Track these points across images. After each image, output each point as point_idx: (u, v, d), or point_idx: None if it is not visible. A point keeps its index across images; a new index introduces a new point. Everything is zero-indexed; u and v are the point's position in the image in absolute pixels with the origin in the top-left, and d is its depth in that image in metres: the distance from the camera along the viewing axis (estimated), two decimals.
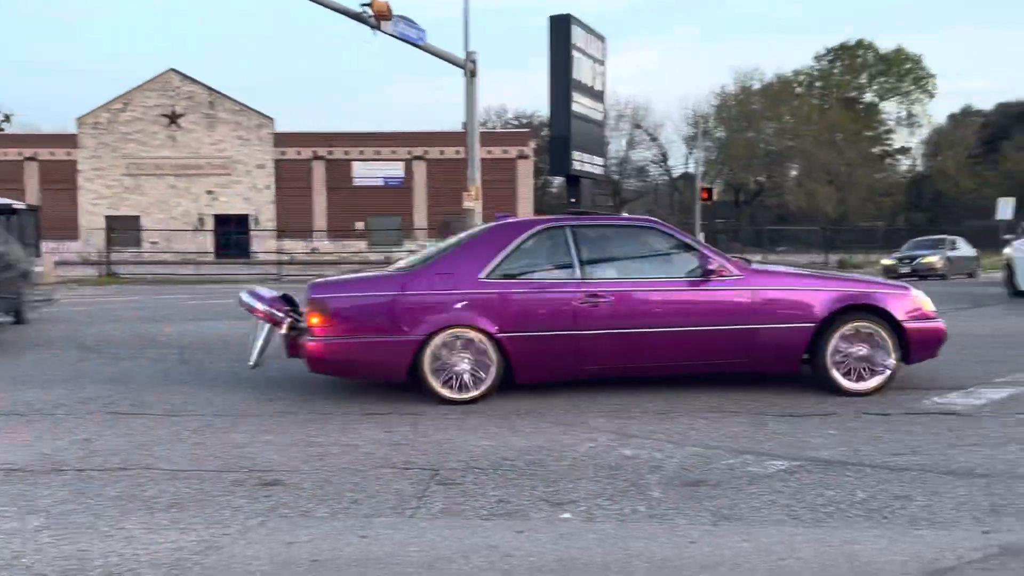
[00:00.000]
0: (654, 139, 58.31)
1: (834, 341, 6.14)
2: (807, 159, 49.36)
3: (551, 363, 6.17)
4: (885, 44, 57.98)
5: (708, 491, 4.10)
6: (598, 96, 28.37)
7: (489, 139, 38.71)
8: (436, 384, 5.96)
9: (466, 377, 5.97)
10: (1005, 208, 29.27)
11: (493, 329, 5.94)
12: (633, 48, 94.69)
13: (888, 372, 6.19)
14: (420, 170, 49.51)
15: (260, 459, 4.74)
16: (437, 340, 5.92)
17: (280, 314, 6.35)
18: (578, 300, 6.04)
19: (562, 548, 3.39)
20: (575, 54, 25.15)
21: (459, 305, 5.94)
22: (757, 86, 52.58)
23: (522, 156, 49.82)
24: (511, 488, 4.17)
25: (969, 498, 3.94)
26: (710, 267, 6.19)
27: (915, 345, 6.28)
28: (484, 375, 5.98)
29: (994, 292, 17.50)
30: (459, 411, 5.87)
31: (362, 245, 45.48)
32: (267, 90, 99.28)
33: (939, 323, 6.46)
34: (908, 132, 60.48)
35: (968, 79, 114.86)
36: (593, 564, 3.24)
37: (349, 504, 3.96)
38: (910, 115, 58.59)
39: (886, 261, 26.50)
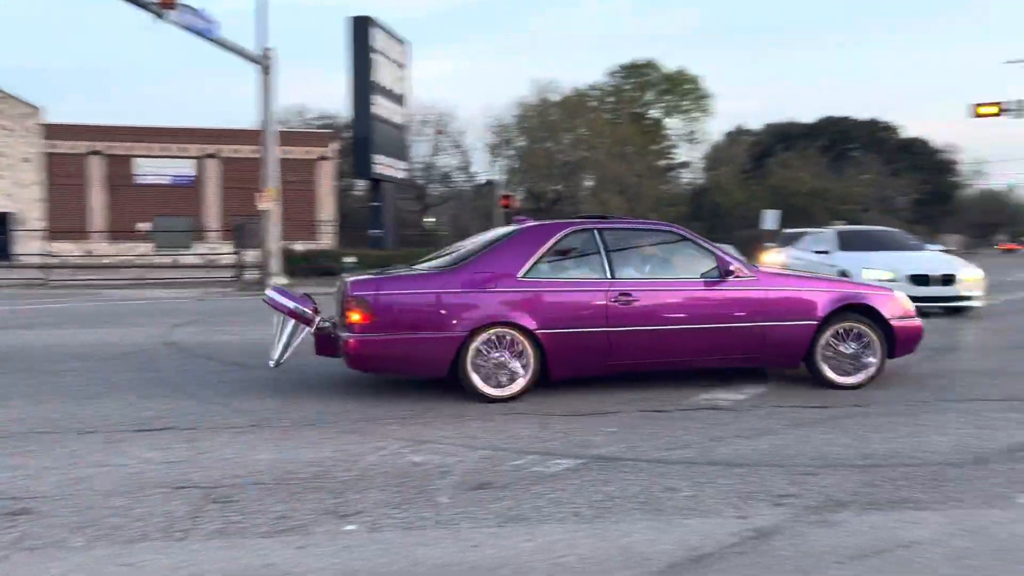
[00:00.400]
0: (457, 146, 59.08)
1: (825, 338, 6.66)
2: (600, 170, 52.01)
3: (585, 358, 6.42)
4: (671, 64, 62.44)
5: (495, 493, 4.16)
6: (400, 100, 28.26)
7: (289, 139, 37.36)
8: (477, 380, 6.14)
9: (506, 373, 6.18)
10: (769, 219, 32.36)
11: (532, 326, 6.15)
12: (438, 55, 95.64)
13: (874, 368, 6.72)
14: (213, 169, 46.93)
15: (6, 486, 4.24)
16: (479, 337, 6.11)
17: (309, 312, 6.47)
18: (610, 299, 6.33)
19: (344, 561, 3.30)
20: (376, 56, 24.91)
21: (499, 303, 6.14)
22: (556, 98, 54.68)
23: (323, 157, 48.66)
24: (294, 502, 4.00)
25: (729, 487, 4.27)
26: (729, 268, 6.58)
27: (900, 342, 6.83)
28: (523, 371, 6.20)
29: None
30: (243, 424, 5.60)
31: (147, 247, 42.32)
32: (37, 77, 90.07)
33: (918, 322, 7.04)
34: (690, 147, 65.41)
35: (742, 101, 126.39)
36: (376, 575, 3.18)
37: (110, 530, 3.63)
38: (690, 132, 63.44)
39: None
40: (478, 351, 6.12)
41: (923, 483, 4.30)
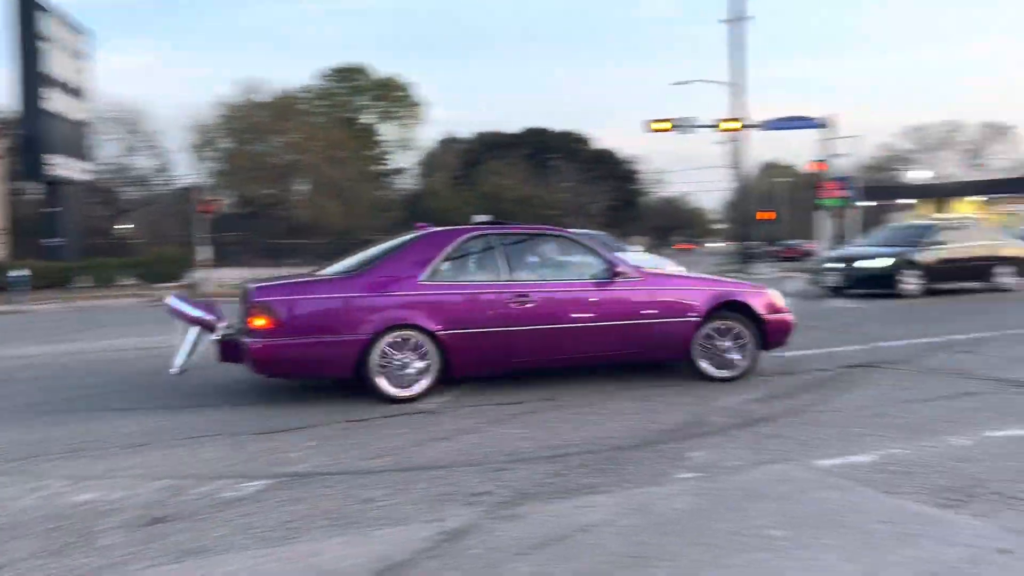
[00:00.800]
0: (153, 146, 54.51)
1: (703, 333, 7.08)
2: (315, 174, 50.91)
3: (485, 357, 6.64)
4: (384, 70, 62.79)
5: (173, 527, 3.80)
6: (80, 94, 25.41)
7: None
8: (382, 382, 6.27)
9: (409, 374, 6.33)
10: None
11: (433, 328, 6.32)
12: (134, 48, 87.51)
13: (746, 361, 7.18)
14: None
15: None
16: (383, 340, 6.23)
17: (212, 318, 6.50)
18: (507, 299, 6.56)
19: None
20: (46, 45, 22.15)
21: (401, 306, 6.30)
22: (264, 99, 52.54)
23: None
24: None
25: (426, 491, 4.29)
26: (617, 270, 6.94)
27: (771, 335, 7.30)
28: (426, 372, 6.38)
29: None
30: None
31: None
32: None
33: (789, 316, 7.48)
34: (404, 154, 66.33)
35: (453, 110, 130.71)
36: None
37: None
38: (404, 138, 64.38)
39: None
40: (382, 353, 6.26)
41: (601, 468, 4.65)
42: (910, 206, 54.19)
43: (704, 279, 7.74)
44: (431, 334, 6.34)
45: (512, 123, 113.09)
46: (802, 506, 3.99)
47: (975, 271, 17.46)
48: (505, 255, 6.81)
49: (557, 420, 5.83)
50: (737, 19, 30.61)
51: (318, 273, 7.00)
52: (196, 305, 6.70)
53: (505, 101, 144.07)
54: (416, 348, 6.35)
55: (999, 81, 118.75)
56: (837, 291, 16.76)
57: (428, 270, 6.54)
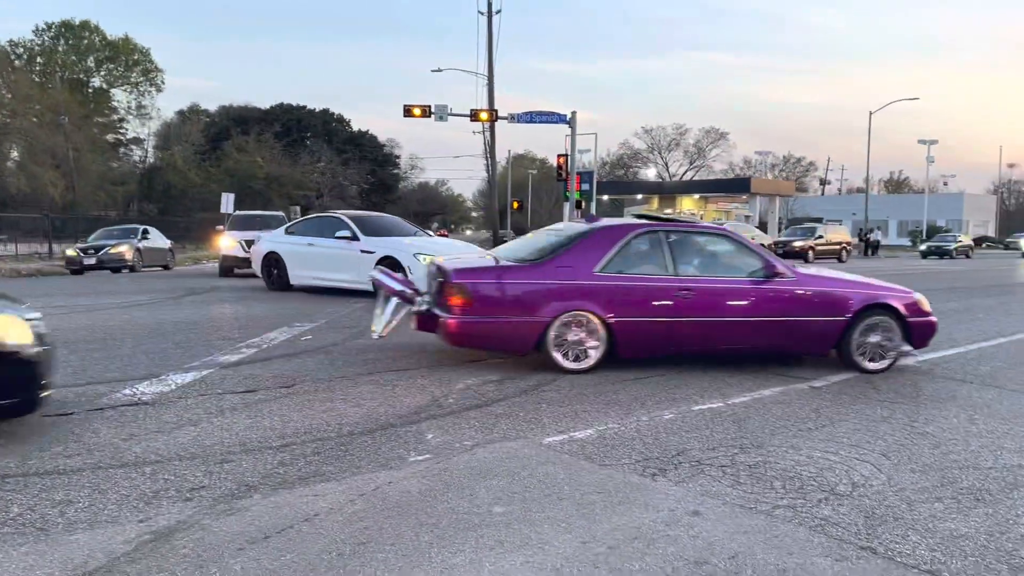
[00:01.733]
0: None
1: (858, 329, 7.41)
2: (28, 140, 45.09)
3: (648, 343, 7.20)
4: (114, 31, 57.04)
5: None
6: None
7: None
8: (557, 356, 6.94)
9: (581, 351, 6.98)
10: (227, 202, 31.84)
11: (605, 315, 6.95)
12: None
13: (897, 355, 7.51)
14: None
15: None
16: (560, 321, 6.90)
17: (411, 292, 7.27)
18: (672, 293, 7.10)
19: None
20: None
21: (578, 294, 6.95)
22: None
23: None
24: None
25: (134, 489, 3.92)
26: (776, 270, 7.39)
27: (916, 336, 7.58)
28: (596, 349, 6.99)
29: (200, 283, 18.78)
30: None
31: None
32: None
33: (931, 319, 7.74)
34: (140, 123, 60.85)
35: (196, 78, 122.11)
36: None
37: None
38: (140, 106, 59.05)
39: (70, 251, 23.65)
40: (559, 332, 6.91)
41: (333, 455, 4.52)
42: (643, 201, 59.09)
43: (855, 282, 7.82)
44: (602, 319, 6.94)
45: (265, 99, 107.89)
46: (526, 482, 4.14)
47: None
48: (670, 251, 7.34)
49: (290, 408, 5.60)
50: (489, 12, 31.44)
51: (505, 259, 7.41)
52: (397, 279, 7.44)
53: (258, 76, 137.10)
54: (589, 330, 6.97)
55: (717, 91, 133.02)
56: None
57: (603, 262, 7.11)
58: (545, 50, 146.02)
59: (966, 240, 49.49)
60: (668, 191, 59.17)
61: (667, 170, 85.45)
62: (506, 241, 14.42)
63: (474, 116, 29.41)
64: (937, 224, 63.59)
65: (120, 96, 59.04)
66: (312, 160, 59.18)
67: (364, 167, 63.97)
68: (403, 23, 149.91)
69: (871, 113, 52.48)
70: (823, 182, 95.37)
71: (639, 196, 60.42)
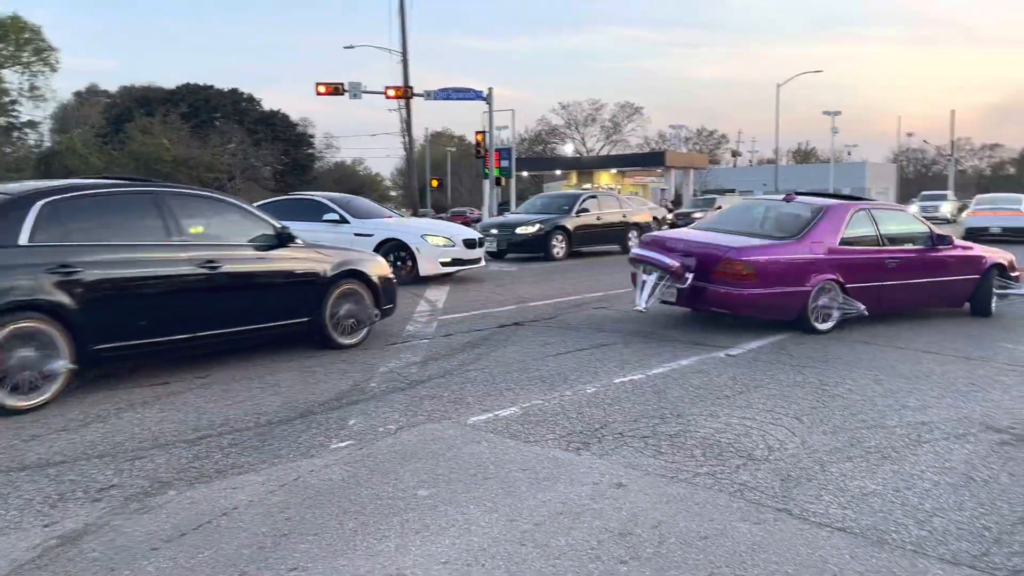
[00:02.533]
0: None
1: (983, 287, 9.27)
2: None
3: (867, 302, 8.10)
4: (1, 8, 53.71)
5: None
6: None
7: None
8: (815, 321, 7.88)
9: (827, 314, 7.97)
10: None
11: (844, 281, 8.02)
12: None
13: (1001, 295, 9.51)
14: None
15: None
16: (817, 289, 7.86)
17: (679, 266, 7.83)
18: (884, 261, 8.39)
19: None
20: None
21: (828, 265, 7.97)
22: None
23: None
24: None
25: (38, 492, 3.72)
26: (943, 238, 8.86)
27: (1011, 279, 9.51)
28: (835, 314, 8.00)
29: None
30: None
31: None
32: None
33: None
34: (34, 105, 57.62)
35: (95, 58, 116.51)
36: None
37: None
38: (34, 87, 55.85)
39: None
40: (814, 300, 7.84)
41: (252, 446, 4.40)
42: (562, 177, 59.45)
43: (981, 248, 9.52)
44: (842, 285, 8.01)
45: (170, 79, 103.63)
46: (452, 463, 4.11)
47: (612, 236, 19.62)
48: (877, 226, 8.54)
49: (206, 399, 5.41)
50: None
51: (768, 238, 8.25)
52: (669, 255, 7.91)
53: (161, 55, 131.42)
54: (832, 296, 7.96)
55: (631, 66, 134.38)
56: (497, 255, 17.82)
57: (839, 236, 8.16)
58: (462, 26, 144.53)
59: None
60: (586, 166, 59.68)
61: (584, 145, 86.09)
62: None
63: (388, 93, 28.94)
64: (841, 192, 65.99)
65: (11, 77, 55.76)
66: (222, 141, 57.25)
67: (277, 148, 62.23)
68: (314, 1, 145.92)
69: (778, 86, 53.92)
70: (735, 154, 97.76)
71: (558, 172, 60.77)
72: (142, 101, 59.74)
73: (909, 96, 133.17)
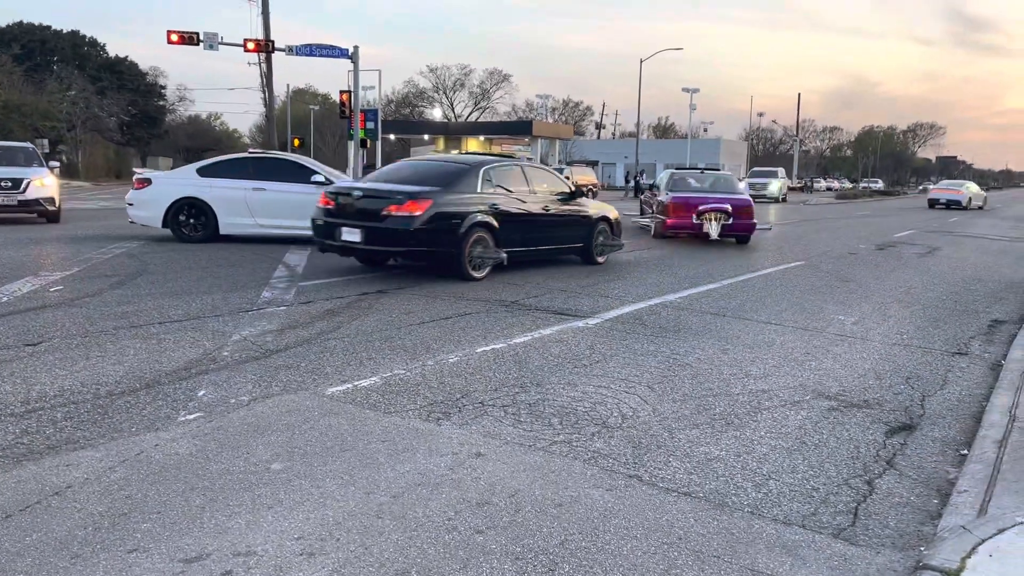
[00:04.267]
0: None
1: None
2: None
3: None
4: None
5: None
6: None
7: None
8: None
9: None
10: None
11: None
12: None
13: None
14: None
15: None
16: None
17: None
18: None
19: None
20: None
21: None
22: None
23: None
24: None
25: None
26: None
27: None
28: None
29: None
30: None
31: None
32: None
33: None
34: None
35: None
36: None
37: None
38: None
39: None
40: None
41: (91, 419, 4.12)
42: (430, 142, 58.83)
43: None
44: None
45: (0, 16, 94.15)
46: (308, 435, 4.01)
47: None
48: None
49: (37, 369, 5.01)
50: None
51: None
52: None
53: None
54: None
55: (501, 32, 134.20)
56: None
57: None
58: None
59: None
60: (454, 132, 59.31)
61: (452, 110, 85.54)
62: None
63: (247, 46, 27.55)
64: (697, 167, 68.89)
65: None
66: (61, 88, 52.87)
67: (124, 97, 58.11)
68: None
69: (641, 61, 55.39)
70: (599, 126, 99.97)
71: (426, 136, 60.10)
72: None
73: (761, 76, 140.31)
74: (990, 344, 7.06)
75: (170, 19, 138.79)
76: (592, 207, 11.61)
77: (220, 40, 27.13)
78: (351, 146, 29.64)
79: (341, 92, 30.26)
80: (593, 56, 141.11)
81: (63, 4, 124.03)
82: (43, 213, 15.86)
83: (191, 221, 12.80)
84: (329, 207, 9.42)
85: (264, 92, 37.80)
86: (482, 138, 57.61)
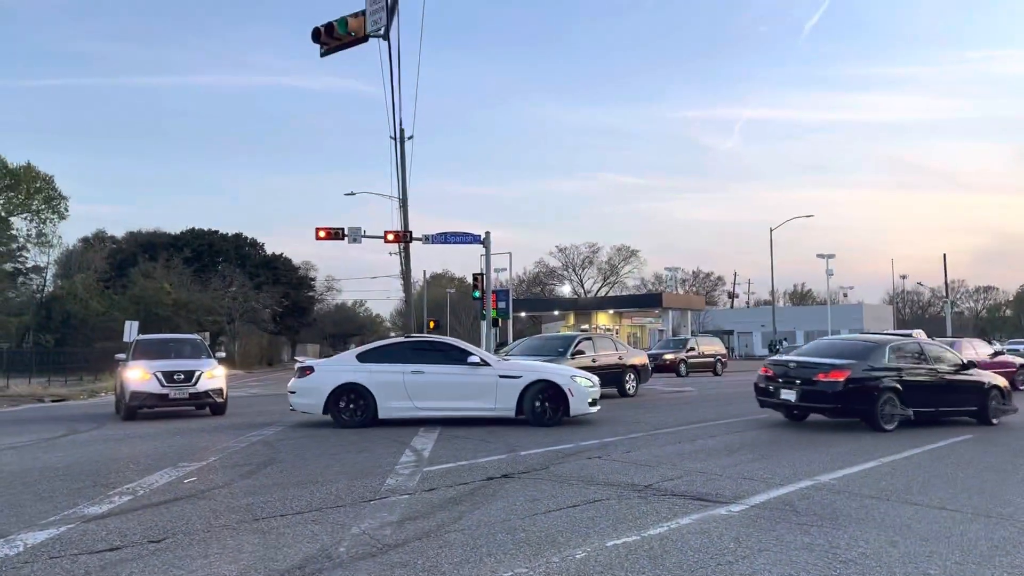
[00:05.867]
0: None
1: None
2: None
3: None
4: (15, 159, 55.59)
5: None
6: None
7: None
8: None
9: None
10: (131, 330, 30.44)
11: None
12: None
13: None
14: None
15: None
16: None
17: None
18: None
19: None
20: None
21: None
22: None
23: None
24: None
25: None
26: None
27: None
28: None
29: (87, 422, 17.46)
30: None
31: None
32: None
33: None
34: (40, 251, 58.62)
35: (102, 204, 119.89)
36: None
37: None
38: (41, 234, 57.03)
39: None
40: None
41: None
42: (560, 318, 59.60)
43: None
44: None
45: (176, 224, 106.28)
46: None
47: (610, 378, 19.25)
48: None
49: (155, 569, 4.91)
50: (401, 138, 32.07)
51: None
52: None
53: (168, 201, 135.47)
54: None
55: (626, 210, 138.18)
56: None
57: None
58: (458, 172, 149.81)
59: None
60: (583, 307, 59.99)
61: (582, 286, 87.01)
62: None
63: (387, 238, 29.35)
64: (841, 332, 66.01)
65: (20, 224, 57.03)
66: (223, 285, 57.88)
67: (278, 290, 62.89)
68: (319, 148, 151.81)
69: (771, 230, 55.11)
70: (731, 295, 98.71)
71: (556, 312, 61.04)
72: (147, 246, 60.94)
73: (899, 238, 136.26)
74: None
75: (319, 217, 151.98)
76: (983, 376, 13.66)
77: (363, 233, 29.08)
78: (483, 325, 30.29)
79: (474, 275, 31.43)
80: (720, 227, 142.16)
81: (229, 211, 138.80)
82: (212, 406, 15.84)
83: (351, 407, 12.84)
84: (768, 374, 12.90)
85: (403, 279, 39.85)
86: (612, 312, 57.88)
